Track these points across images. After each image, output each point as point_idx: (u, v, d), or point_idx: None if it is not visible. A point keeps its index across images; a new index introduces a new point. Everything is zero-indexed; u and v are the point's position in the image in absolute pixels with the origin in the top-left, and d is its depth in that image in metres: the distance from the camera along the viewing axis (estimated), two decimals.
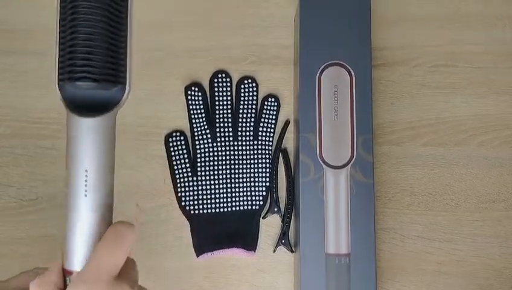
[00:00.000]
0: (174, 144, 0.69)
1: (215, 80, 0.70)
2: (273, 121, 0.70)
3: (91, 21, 0.32)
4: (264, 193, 0.68)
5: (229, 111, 0.69)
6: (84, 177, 0.33)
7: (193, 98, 0.69)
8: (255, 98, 0.70)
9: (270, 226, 0.68)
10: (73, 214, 0.33)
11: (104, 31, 0.33)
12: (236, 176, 0.68)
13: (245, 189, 0.68)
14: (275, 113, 0.70)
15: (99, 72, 0.32)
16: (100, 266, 0.32)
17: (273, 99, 0.70)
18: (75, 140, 0.33)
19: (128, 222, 0.33)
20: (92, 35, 0.32)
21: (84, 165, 0.33)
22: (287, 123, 0.70)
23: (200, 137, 0.69)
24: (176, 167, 0.68)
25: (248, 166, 0.68)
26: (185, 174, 0.68)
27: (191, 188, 0.68)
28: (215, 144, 0.69)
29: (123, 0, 0.36)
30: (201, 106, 0.69)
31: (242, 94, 0.70)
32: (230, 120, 0.69)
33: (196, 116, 0.69)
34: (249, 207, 0.68)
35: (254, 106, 0.70)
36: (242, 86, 0.70)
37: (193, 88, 0.70)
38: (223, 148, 0.69)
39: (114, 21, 0.35)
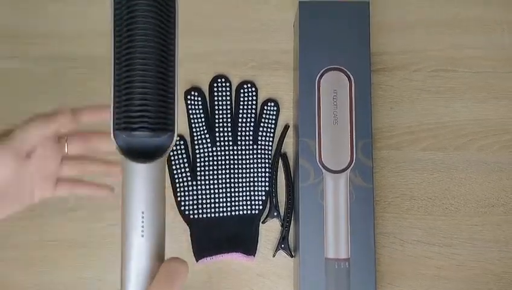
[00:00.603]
0: (174, 148, 0.69)
1: (215, 85, 0.70)
2: (273, 126, 0.70)
3: (147, 70, 0.34)
4: (264, 198, 0.68)
5: (229, 115, 0.69)
6: (141, 219, 0.34)
7: (193, 102, 0.69)
8: (254, 102, 0.70)
9: (269, 230, 0.68)
10: (130, 254, 0.34)
11: (158, 79, 0.35)
12: (236, 180, 0.68)
13: (244, 193, 0.68)
14: (274, 117, 0.70)
15: (154, 121, 0.33)
16: None
17: (272, 104, 0.70)
18: (131, 185, 0.34)
19: (181, 258, 0.34)
20: (148, 83, 0.34)
21: (140, 207, 0.34)
22: (286, 128, 0.70)
23: (200, 141, 0.69)
24: (175, 172, 0.68)
25: (248, 170, 0.69)
26: (185, 179, 0.68)
27: (191, 193, 0.68)
28: (214, 149, 0.69)
29: (172, 44, 0.38)
30: (201, 111, 0.69)
31: (242, 99, 0.70)
32: (229, 124, 0.69)
33: (196, 120, 0.69)
34: (249, 212, 0.68)
35: (254, 111, 0.70)
36: (242, 91, 0.70)
37: (193, 92, 0.70)
38: (223, 153, 0.69)
39: (165, 68, 0.36)
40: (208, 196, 0.68)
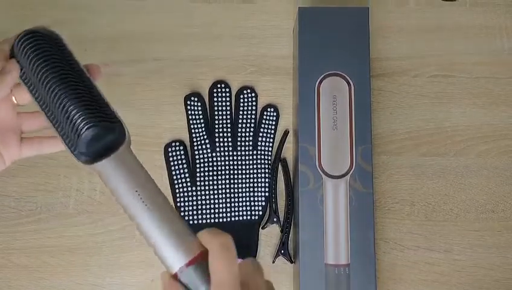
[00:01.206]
0: (174, 153, 0.69)
1: (215, 90, 0.70)
2: (273, 131, 0.70)
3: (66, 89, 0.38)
4: (263, 203, 0.68)
5: (229, 121, 0.70)
6: (138, 196, 0.37)
7: (193, 108, 0.69)
8: (254, 108, 0.70)
9: (269, 236, 0.68)
10: (150, 230, 0.37)
11: (78, 90, 0.38)
12: (236, 186, 0.68)
13: (244, 199, 0.68)
14: (274, 123, 0.70)
15: (96, 119, 0.37)
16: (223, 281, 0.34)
17: (272, 110, 0.70)
18: (112, 178, 0.37)
19: (214, 229, 0.36)
20: (79, 98, 0.38)
21: (131, 188, 0.37)
22: (286, 133, 0.70)
23: (200, 147, 0.69)
24: (175, 177, 0.68)
25: (247, 176, 0.68)
26: (184, 184, 0.68)
27: (190, 198, 0.68)
28: (214, 154, 0.69)
29: (73, 64, 0.40)
30: (201, 116, 0.69)
31: (241, 104, 0.70)
32: (229, 130, 0.69)
33: (195, 126, 0.69)
34: (248, 217, 0.68)
35: (253, 116, 0.70)
36: (241, 96, 0.70)
37: (193, 98, 0.70)
38: (223, 158, 0.69)
39: (79, 82, 0.39)
40: (208, 202, 0.68)
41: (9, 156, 0.44)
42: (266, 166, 0.69)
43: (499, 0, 0.74)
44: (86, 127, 0.37)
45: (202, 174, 0.68)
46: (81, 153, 0.37)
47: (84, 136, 0.37)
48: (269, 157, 0.69)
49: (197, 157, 0.69)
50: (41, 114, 0.39)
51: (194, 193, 0.68)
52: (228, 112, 0.70)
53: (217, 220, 0.67)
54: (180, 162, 0.69)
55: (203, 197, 0.68)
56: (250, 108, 0.70)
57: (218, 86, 0.70)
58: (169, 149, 0.69)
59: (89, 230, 0.68)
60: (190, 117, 0.69)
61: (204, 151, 0.69)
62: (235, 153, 0.69)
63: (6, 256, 0.67)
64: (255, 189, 0.68)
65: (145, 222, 0.36)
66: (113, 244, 0.67)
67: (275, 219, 0.68)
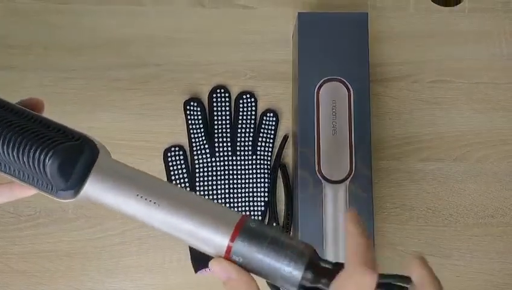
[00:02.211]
0: (173, 158, 0.69)
1: (214, 95, 0.70)
2: (272, 136, 0.70)
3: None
4: (263, 208, 0.68)
5: (228, 126, 0.70)
6: (142, 198, 0.34)
7: (192, 113, 0.69)
8: (253, 113, 0.70)
9: None
10: (173, 224, 0.34)
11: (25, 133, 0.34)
12: (235, 190, 0.68)
13: (244, 204, 0.68)
14: (273, 128, 0.70)
15: (57, 148, 0.33)
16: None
17: (271, 115, 0.70)
18: (105, 196, 0.34)
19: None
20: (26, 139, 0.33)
21: (132, 193, 0.34)
22: (285, 138, 0.70)
23: (199, 152, 0.69)
24: (174, 182, 0.68)
25: (247, 181, 0.68)
26: (184, 188, 0.68)
27: None
28: (213, 159, 0.69)
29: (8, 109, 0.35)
30: (200, 121, 0.69)
31: (241, 109, 0.70)
32: (229, 135, 0.69)
33: (195, 131, 0.69)
34: None
35: (253, 121, 0.70)
36: (241, 101, 0.70)
37: (192, 103, 0.70)
38: (222, 163, 0.69)
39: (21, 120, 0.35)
40: None
41: None
42: (266, 171, 0.69)
43: (498, 6, 0.74)
44: (48, 160, 0.33)
45: (201, 179, 0.68)
46: (62, 189, 0.33)
47: (51, 170, 0.33)
48: (269, 162, 0.69)
49: (196, 162, 0.69)
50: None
51: None
52: (228, 117, 0.70)
53: None
54: (179, 167, 0.69)
55: None
56: (249, 113, 0.70)
57: (218, 91, 0.70)
58: (169, 154, 0.69)
59: (88, 235, 0.68)
60: (190, 122, 0.69)
61: (204, 156, 0.69)
62: (234, 158, 0.69)
63: (5, 261, 0.67)
64: (255, 194, 0.68)
65: (164, 221, 0.34)
66: (112, 249, 0.67)
67: (274, 224, 0.68)
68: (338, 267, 0.32)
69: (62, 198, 0.34)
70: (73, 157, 0.33)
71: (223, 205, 0.68)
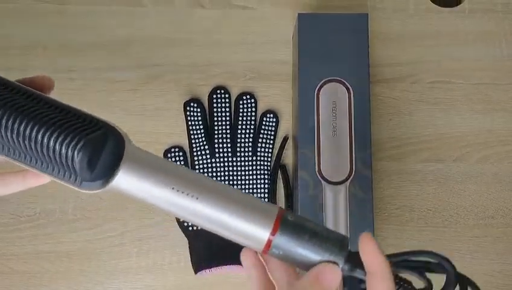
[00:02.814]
0: (173, 159, 0.69)
1: (214, 96, 0.70)
2: (272, 137, 0.70)
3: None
4: None
5: (228, 127, 0.69)
6: (178, 192, 0.33)
7: (192, 113, 0.69)
8: (253, 114, 0.70)
9: None
10: (213, 216, 0.33)
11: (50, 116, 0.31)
12: None
13: None
14: (273, 129, 0.70)
15: (87, 138, 0.31)
16: None
17: (271, 115, 0.70)
18: (139, 188, 0.32)
19: None
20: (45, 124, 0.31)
21: (167, 187, 0.32)
22: (285, 139, 0.70)
23: (199, 153, 0.69)
24: None
25: (247, 182, 0.68)
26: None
27: None
28: (213, 160, 0.69)
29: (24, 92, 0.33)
30: (200, 122, 0.69)
31: (241, 110, 0.70)
32: (229, 136, 0.69)
33: (195, 131, 0.69)
34: None
35: (253, 122, 0.70)
36: (241, 102, 0.70)
37: (192, 104, 0.70)
38: (222, 164, 0.69)
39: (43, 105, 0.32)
40: None
41: None
42: (266, 172, 0.69)
43: (498, 7, 0.74)
44: (77, 151, 0.30)
45: None
46: (87, 180, 0.31)
47: (80, 161, 0.30)
48: (269, 163, 0.69)
49: (196, 162, 0.69)
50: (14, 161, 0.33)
51: None
52: (228, 118, 0.70)
53: None
54: None
55: None
56: (249, 114, 0.70)
57: (218, 91, 0.70)
58: (169, 155, 0.69)
59: (88, 236, 0.67)
60: (190, 123, 0.69)
61: (204, 156, 0.69)
62: (234, 159, 0.69)
63: (5, 262, 0.67)
64: (255, 195, 0.68)
65: (201, 215, 0.33)
66: (111, 251, 0.67)
67: None
68: None
69: (86, 189, 0.32)
70: (100, 147, 0.31)
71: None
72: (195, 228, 0.67)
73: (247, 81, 0.72)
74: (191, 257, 0.67)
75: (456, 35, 0.74)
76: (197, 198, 0.33)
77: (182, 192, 0.32)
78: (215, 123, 0.69)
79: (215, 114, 0.70)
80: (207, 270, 0.65)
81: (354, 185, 0.60)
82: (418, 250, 0.34)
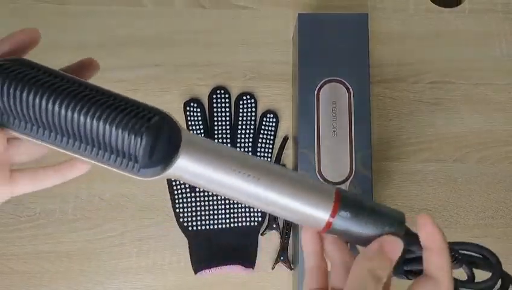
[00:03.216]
0: None
1: (214, 96, 0.70)
2: (272, 137, 0.70)
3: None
4: None
5: (228, 127, 0.69)
6: (241, 173, 0.32)
7: (192, 113, 0.69)
8: (253, 114, 0.70)
9: (268, 242, 0.68)
10: (275, 198, 0.33)
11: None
12: None
13: (243, 205, 0.68)
14: (273, 129, 0.70)
15: (151, 121, 0.31)
16: None
17: (271, 116, 0.70)
18: (202, 172, 0.32)
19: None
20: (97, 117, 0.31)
21: (231, 170, 0.32)
22: (285, 139, 0.70)
23: None
24: (174, 183, 0.68)
25: None
26: (183, 190, 0.68)
27: (189, 204, 0.67)
28: None
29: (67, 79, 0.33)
30: (200, 122, 0.69)
31: (241, 110, 0.70)
32: (229, 136, 0.69)
33: (195, 131, 0.69)
34: (248, 223, 0.67)
35: (253, 122, 0.70)
36: (241, 102, 0.70)
37: (192, 104, 0.70)
38: None
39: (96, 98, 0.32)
40: (207, 208, 0.68)
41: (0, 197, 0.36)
42: None
43: (498, 7, 0.74)
44: (140, 138, 0.30)
45: None
46: (147, 166, 0.31)
47: (144, 148, 0.31)
48: None
49: None
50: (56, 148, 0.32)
51: (193, 199, 0.68)
52: (228, 118, 0.70)
53: (216, 227, 0.67)
54: None
55: (203, 203, 0.68)
56: (249, 114, 0.70)
57: (218, 92, 0.70)
58: None
59: (88, 236, 0.67)
60: (189, 123, 0.69)
61: None
62: None
63: (5, 262, 0.67)
64: None
65: (263, 196, 0.33)
66: (111, 251, 0.67)
67: (274, 226, 0.68)
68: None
69: (143, 176, 0.32)
70: (160, 132, 0.31)
71: (245, 208, 0.68)
72: (195, 228, 0.67)
73: (247, 81, 0.72)
74: (190, 257, 0.67)
75: (456, 36, 0.74)
76: (259, 179, 0.33)
77: (244, 173, 0.32)
78: (215, 123, 0.69)
79: (215, 114, 0.70)
80: (207, 271, 0.65)
81: (354, 185, 0.60)
82: (466, 242, 0.36)
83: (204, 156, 0.32)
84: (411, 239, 0.34)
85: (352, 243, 0.35)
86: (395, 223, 0.34)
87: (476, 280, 0.37)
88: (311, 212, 0.33)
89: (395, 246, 0.33)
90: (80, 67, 0.36)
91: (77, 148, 0.32)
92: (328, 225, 0.33)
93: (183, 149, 0.32)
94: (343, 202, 0.33)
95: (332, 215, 0.33)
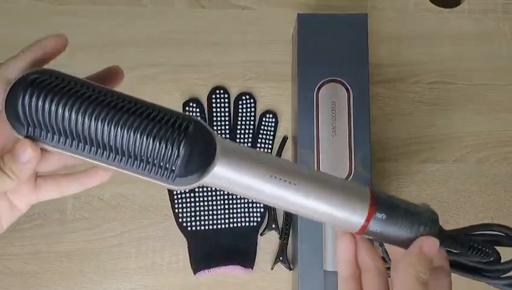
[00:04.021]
0: None
1: (214, 96, 0.70)
2: (271, 137, 0.70)
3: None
4: (262, 209, 0.68)
5: (227, 127, 0.69)
6: (276, 179, 0.32)
7: (191, 113, 0.69)
8: (252, 114, 0.70)
9: (268, 243, 0.68)
10: (312, 203, 0.33)
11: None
12: None
13: (243, 205, 0.68)
14: (272, 129, 0.70)
15: (187, 130, 0.31)
16: None
17: (271, 116, 0.70)
18: (237, 178, 0.32)
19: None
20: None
21: (265, 176, 0.32)
22: (284, 139, 0.70)
23: None
24: None
25: None
26: (183, 190, 0.68)
27: (189, 205, 0.67)
28: None
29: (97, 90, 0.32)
30: None
31: (240, 110, 0.70)
32: (228, 136, 0.69)
33: None
34: (247, 224, 0.67)
35: (252, 122, 0.70)
36: (240, 102, 0.70)
37: (191, 104, 0.70)
38: None
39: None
40: (206, 208, 0.67)
41: (25, 203, 0.38)
42: None
43: (498, 7, 0.74)
44: (180, 147, 0.30)
45: None
46: (183, 175, 0.31)
47: (183, 157, 0.31)
48: None
49: None
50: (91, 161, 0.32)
51: (193, 199, 0.68)
52: (227, 118, 0.70)
53: (215, 227, 0.67)
54: None
55: (202, 204, 0.67)
56: (249, 114, 0.70)
57: (217, 92, 0.70)
58: None
59: (87, 236, 0.67)
60: None
61: None
62: None
63: (4, 262, 0.66)
64: None
65: (300, 201, 0.33)
66: (110, 251, 0.67)
67: (273, 226, 0.68)
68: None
69: (180, 185, 0.32)
70: (198, 140, 0.31)
71: (244, 208, 0.68)
72: (194, 228, 0.67)
73: (247, 82, 0.71)
74: (190, 258, 0.66)
75: (456, 36, 0.73)
76: (295, 184, 0.33)
77: (280, 179, 0.32)
78: (215, 123, 0.69)
79: (215, 114, 0.70)
80: (206, 271, 0.65)
81: None
82: (484, 224, 0.36)
83: (241, 163, 0.32)
84: (444, 238, 0.35)
85: (388, 243, 0.35)
86: (429, 222, 0.34)
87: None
88: (346, 217, 0.33)
89: (433, 248, 0.33)
90: (106, 75, 0.37)
91: (111, 160, 0.32)
92: (363, 229, 0.34)
93: (219, 156, 0.32)
94: (379, 203, 0.34)
95: (367, 219, 0.33)
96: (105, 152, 0.31)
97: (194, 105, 0.69)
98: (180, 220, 0.67)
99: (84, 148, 0.31)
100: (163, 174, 0.32)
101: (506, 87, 0.72)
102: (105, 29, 0.73)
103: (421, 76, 0.72)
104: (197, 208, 0.67)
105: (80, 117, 0.30)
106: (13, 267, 0.66)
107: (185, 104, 0.70)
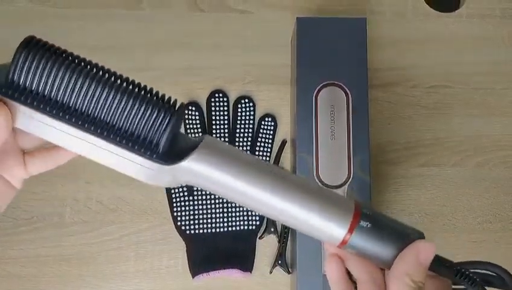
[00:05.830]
0: None
1: (212, 100, 0.70)
2: (270, 141, 0.70)
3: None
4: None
5: (226, 130, 0.69)
6: (258, 179, 0.32)
7: (190, 117, 0.69)
8: (251, 117, 0.70)
9: (266, 246, 0.68)
10: (285, 214, 0.32)
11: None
12: None
13: (241, 209, 0.68)
14: (271, 133, 0.70)
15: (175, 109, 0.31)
16: None
17: (270, 119, 0.70)
18: (222, 178, 0.31)
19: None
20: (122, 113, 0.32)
21: (248, 176, 0.31)
22: (283, 143, 0.70)
23: None
24: (172, 186, 0.68)
25: None
26: (181, 194, 0.68)
27: (187, 208, 0.67)
28: None
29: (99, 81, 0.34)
30: (198, 125, 0.69)
31: (239, 114, 0.70)
32: (227, 140, 0.69)
33: (193, 135, 0.69)
34: (246, 227, 0.67)
35: (251, 126, 0.70)
36: (239, 106, 0.70)
37: (190, 107, 0.70)
38: None
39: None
40: (205, 211, 0.67)
41: (17, 179, 0.39)
42: None
43: (496, 12, 0.74)
44: (169, 121, 0.31)
45: None
46: (170, 153, 0.31)
47: (170, 132, 0.31)
48: None
49: None
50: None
51: (191, 203, 0.67)
52: (226, 122, 0.70)
53: (214, 230, 0.67)
54: None
55: (200, 207, 0.67)
56: (248, 118, 0.70)
57: (216, 95, 0.70)
58: None
59: (85, 240, 0.67)
60: (187, 126, 0.69)
61: None
62: None
63: (2, 265, 0.66)
64: None
65: (277, 206, 0.31)
66: (108, 254, 0.67)
67: (272, 229, 0.68)
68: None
69: (160, 170, 0.31)
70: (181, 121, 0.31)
71: (243, 211, 0.68)
72: (192, 231, 0.67)
73: (246, 85, 0.72)
74: (188, 261, 0.66)
75: (454, 40, 0.74)
76: (273, 187, 0.31)
77: (258, 178, 0.31)
78: (214, 127, 0.69)
79: (214, 118, 0.70)
80: (204, 274, 0.65)
81: (352, 189, 0.60)
82: (478, 261, 0.35)
83: (219, 159, 0.31)
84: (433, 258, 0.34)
85: (373, 260, 0.33)
86: (416, 235, 0.33)
87: None
88: (325, 227, 0.32)
89: (429, 253, 0.32)
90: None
91: (94, 131, 0.31)
92: (344, 242, 0.32)
93: (203, 145, 0.31)
94: (363, 212, 0.32)
95: (350, 231, 0.32)
96: (88, 119, 0.31)
97: (193, 108, 0.70)
98: (179, 223, 0.67)
99: (68, 113, 0.31)
100: (145, 151, 0.31)
101: (504, 92, 0.72)
102: (104, 33, 0.73)
103: (419, 80, 0.72)
104: (196, 212, 0.67)
105: (71, 76, 0.32)
106: (12, 270, 0.66)
107: (184, 107, 0.70)
